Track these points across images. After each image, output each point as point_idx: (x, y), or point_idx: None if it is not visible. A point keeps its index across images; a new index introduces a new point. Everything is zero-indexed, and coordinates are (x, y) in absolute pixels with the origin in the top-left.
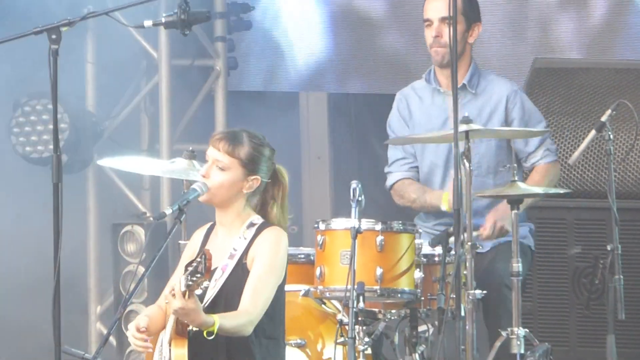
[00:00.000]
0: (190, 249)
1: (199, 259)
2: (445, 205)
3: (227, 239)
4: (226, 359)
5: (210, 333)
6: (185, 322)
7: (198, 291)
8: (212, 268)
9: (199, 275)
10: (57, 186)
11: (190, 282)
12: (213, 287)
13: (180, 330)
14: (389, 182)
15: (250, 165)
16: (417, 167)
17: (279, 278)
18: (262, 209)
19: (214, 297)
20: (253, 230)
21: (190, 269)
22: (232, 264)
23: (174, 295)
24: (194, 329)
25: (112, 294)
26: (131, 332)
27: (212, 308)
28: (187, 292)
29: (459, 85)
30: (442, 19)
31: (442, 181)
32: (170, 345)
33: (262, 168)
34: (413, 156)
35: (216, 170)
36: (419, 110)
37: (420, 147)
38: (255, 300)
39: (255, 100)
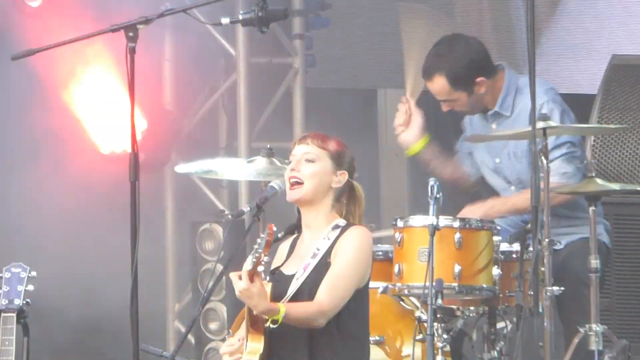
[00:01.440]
0: (273, 258)
1: (262, 235)
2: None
3: (313, 241)
4: (308, 358)
5: (274, 322)
6: (250, 306)
7: (260, 268)
8: (293, 272)
9: (260, 251)
10: (135, 184)
11: (254, 259)
12: (294, 284)
13: (255, 324)
14: None
15: (338, 159)
16: None
17: (360, 276)
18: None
19: (294, 294)
20: (337, 231)
21: (255, 246)
22: (314, 262)
23: (240, 277)
24: (271, 325)
25: (191, 292)
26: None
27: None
28: (253, 274)
29: (491, 112)
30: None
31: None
32: (246, 339)
33: (348, 164)
34: None
35: (305, 163)
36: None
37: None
38: (330, 293)
39: (334, 97)
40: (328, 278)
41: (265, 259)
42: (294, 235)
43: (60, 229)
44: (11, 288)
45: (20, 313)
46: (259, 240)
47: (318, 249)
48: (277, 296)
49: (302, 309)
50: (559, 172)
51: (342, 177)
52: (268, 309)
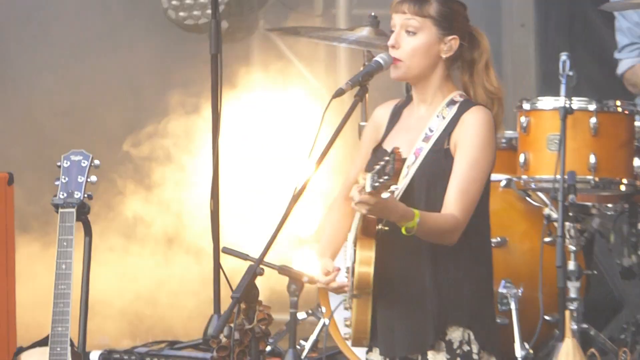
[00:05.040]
0: (372, 131)
1: (386, 158)
2: None
3: (425, 118)
4: (431, 265)
5: (409, 230)
6: (381, 217)
7: (385, 194)
8: (404, 157)
9: (386, 177)
10: (216, 57)
11: (377, 184)
12: (405, 175)
13: (367, 229)
14: (619, 70)
15: (444, 23)
16: None
17: (489, 170)
18: (464, 82)
19: (406, 189)
20: (454, 108)
21: (376, 167)
22: (427, 147)
23: (360, 191)
24: (384, 227)
25: None
26: (321, 281)
27: (404, 201)
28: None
29: None
30: None
31: None
32: (355, 246)
33: (457, 26)
34: None
35: (406, 37)
36: None
37: None
38: (462, 202)
39: None
40: (454, 183)
41: (393, 187)
42: (396, 101)
43: (126, 113)
44: (70, 179)
45: (81, 208)
46: (381, 163)
47: (431, 130)
48: None
49: (439, 219)
50: None
51: (453, 44)
52: (403, 214)
